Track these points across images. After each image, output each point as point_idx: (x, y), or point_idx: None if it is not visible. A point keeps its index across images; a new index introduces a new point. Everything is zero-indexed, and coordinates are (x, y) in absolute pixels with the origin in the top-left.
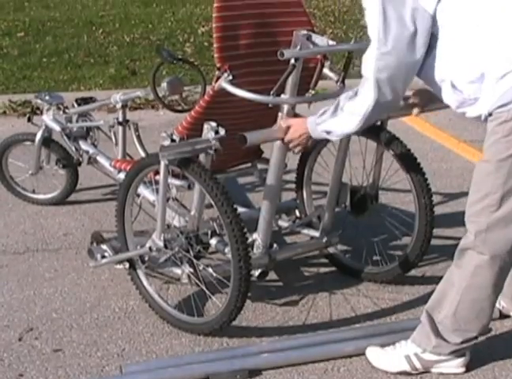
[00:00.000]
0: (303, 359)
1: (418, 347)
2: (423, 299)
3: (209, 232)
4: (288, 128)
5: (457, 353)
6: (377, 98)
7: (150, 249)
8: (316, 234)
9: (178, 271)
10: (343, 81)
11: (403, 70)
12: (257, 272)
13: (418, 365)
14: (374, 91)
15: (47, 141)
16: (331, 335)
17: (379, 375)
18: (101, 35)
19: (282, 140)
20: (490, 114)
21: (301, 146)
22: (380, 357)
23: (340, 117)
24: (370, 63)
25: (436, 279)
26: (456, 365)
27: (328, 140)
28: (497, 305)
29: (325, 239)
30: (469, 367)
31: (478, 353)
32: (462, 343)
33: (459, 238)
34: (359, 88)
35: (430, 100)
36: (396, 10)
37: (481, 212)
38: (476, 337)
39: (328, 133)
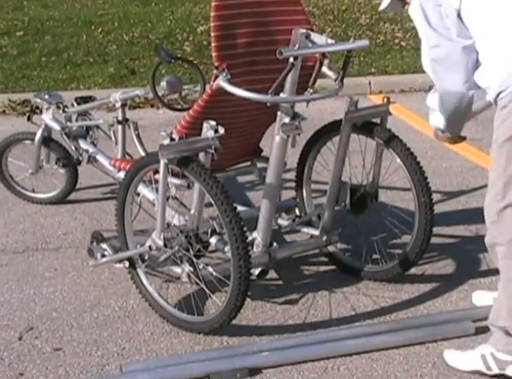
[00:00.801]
0: (303, 358)
1: (492, 347)
2: (423, 298)
3: (209, 231)
4: None
5: None
6: (441, 90)
7: (150, 248)
8: (316, 232)
9: (178, 270)
10: (342, 80)
11: (456, 58)
12: (257, 271)
13: (493, 365)
14: (438, 84)
15: (47, 140)
16: (331, 334)
17: (379, 374)
18: (100, 34)
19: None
20: (495, 101)
21: (446, 141)
22: (456, 355)
23: (433, 113)
24: (425, 59)
25: (436, 278)
26: None
27: (326, 139)
28: None
29: (324, 238)
30: None
31: None
32: None
33: (458, 237)
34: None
35: None
36: (432, 8)
37: (490, 203)
38: None
39: (440, 129)
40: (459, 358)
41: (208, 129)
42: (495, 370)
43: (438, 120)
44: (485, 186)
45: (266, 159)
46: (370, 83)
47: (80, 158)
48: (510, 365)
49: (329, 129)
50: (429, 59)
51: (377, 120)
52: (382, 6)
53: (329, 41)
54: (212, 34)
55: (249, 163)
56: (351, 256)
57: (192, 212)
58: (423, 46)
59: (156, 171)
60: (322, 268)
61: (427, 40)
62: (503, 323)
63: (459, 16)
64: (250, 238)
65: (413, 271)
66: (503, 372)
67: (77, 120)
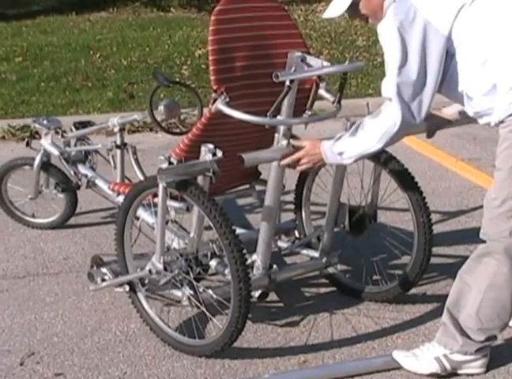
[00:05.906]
0: None
1: (445, 349)
2: (424, 318)
3: (209, 254)
4: (299, 148)
5: (481, 352)
6: (402, 113)
7: (150, 271)
8: (315, 254)
9: (178, 293)
10: (339, 102)
11: (422, 89)
12: (257, 293)
13: (448, 366)
14: (399, 108)
15: (46, 165)
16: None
17: None
18: (99, 59)
19: (280, 160)
20: (501, 122)
21: (308, 165)
22: (409, 359)
23: (361, 134)
24: (391, 84)
25: (437, 298)
26: (479, 366)
27: None
28: None
29: (324, 259)
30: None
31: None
32: (485, 340)
33: (459, 256)
34: (383, 109)
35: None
36: (411, 38)
37: (499, 218)
38: (495, 336)
39: (341, 154)
40: (413, 362)
41: (206, 153)
42: (449, 370)
43: (360, 142)
44: None
45: (265, 182)
46: (368, 104)
47: (80, 182)
48: (464, 364)
49: None
50: (396, 87)
51: None
52: (331, 15)
53: (325, 63)
54: (210, 58)
55: (248, 185)
56: (351, 277)
57: (191, 235)
58: (392, 72)
59: (155, 195)
60: (323, 290)
61: (399, 67)
62: (463, 318)
63: (447, 38)
64: (249, 261)
65: (414, 291)
66: (457, 371)
67: (75, 145)
